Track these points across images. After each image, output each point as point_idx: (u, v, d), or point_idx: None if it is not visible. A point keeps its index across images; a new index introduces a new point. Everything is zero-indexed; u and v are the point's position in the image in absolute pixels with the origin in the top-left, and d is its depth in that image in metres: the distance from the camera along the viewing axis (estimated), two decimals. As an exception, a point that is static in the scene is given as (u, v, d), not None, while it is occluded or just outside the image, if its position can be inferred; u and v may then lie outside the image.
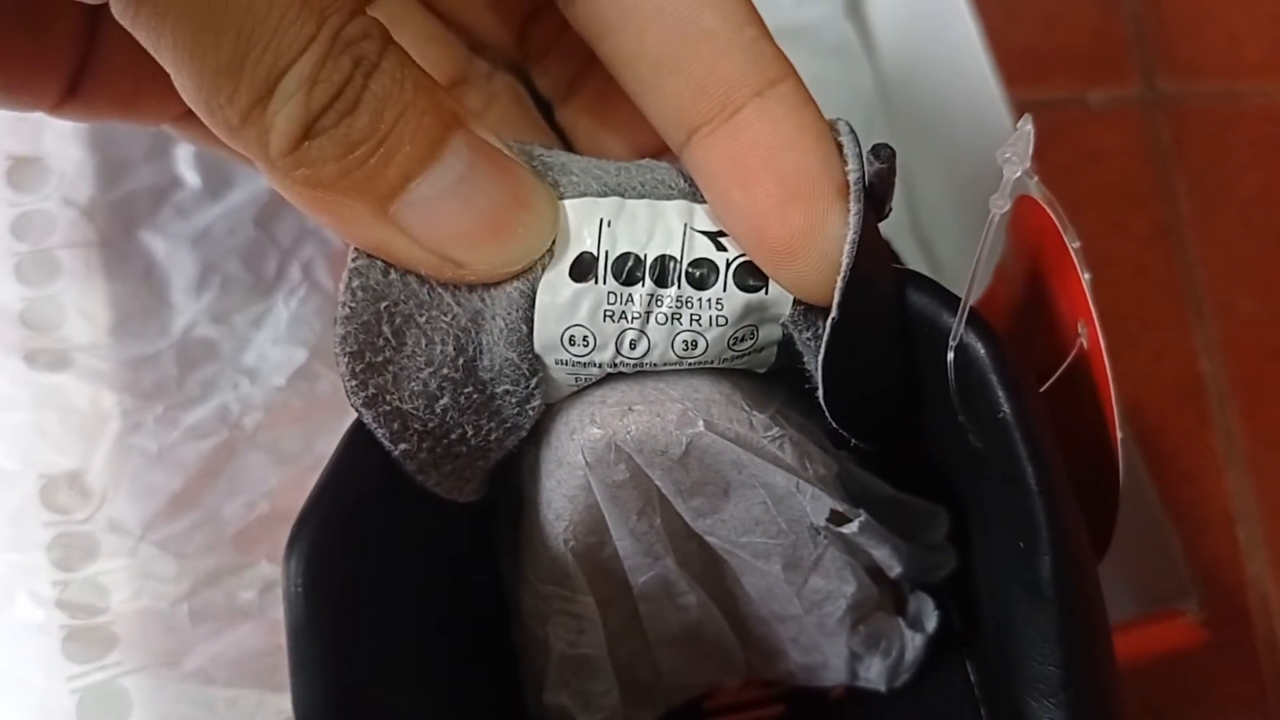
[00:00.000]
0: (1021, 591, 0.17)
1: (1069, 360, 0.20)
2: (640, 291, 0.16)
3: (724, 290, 0.17)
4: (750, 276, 0.17)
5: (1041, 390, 0.19)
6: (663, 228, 0.17)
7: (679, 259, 0.16)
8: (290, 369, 0.26)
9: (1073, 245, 0.19)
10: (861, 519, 0.18)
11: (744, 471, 0.18)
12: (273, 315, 0.26)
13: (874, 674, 0.21)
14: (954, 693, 0.21)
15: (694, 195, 0.17)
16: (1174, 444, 0.37)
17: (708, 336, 0.17)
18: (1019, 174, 0.17)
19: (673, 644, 0.21)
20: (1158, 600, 0.28)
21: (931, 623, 0.21)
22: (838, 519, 0.18)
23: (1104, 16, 0.42)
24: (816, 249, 0.16)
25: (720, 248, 0.17)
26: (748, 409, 0.18)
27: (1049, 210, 0.19)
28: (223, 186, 0.27)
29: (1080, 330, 0.19)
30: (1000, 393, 0.16)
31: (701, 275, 0.17)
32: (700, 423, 0.17)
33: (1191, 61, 0.42)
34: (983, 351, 0.17)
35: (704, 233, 0.17)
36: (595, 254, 0.16)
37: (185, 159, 0.27)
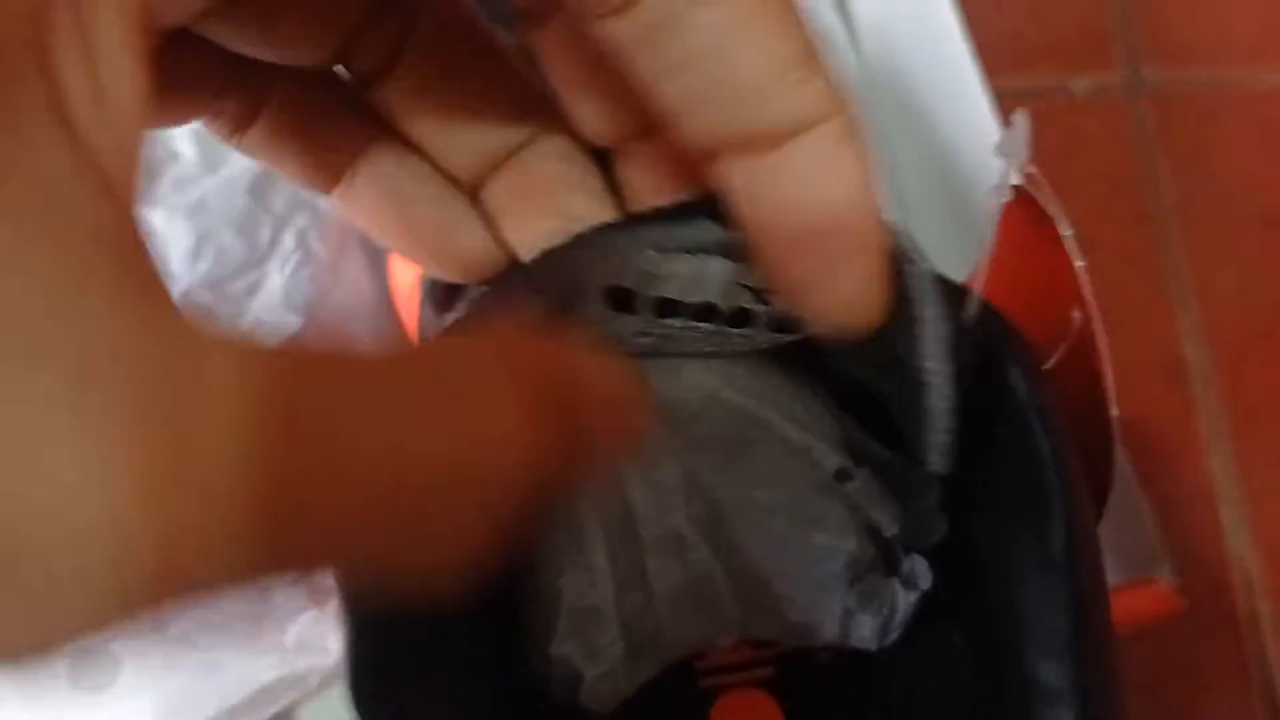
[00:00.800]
0: (1035, 564, 0.17)
1: (1066, 345, 0.20)
2: (677, 322, 0.17)
3: (762, 333, 0.17)
4: (788, 325, 0.17)
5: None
6: (703, 283, 0.17)
7: (720, 308, 0.17)
8: (283, 337, 0.26)
9: (1064, 233, 0.19)
10: (866, 476, 0.19)
11: (759, 428, 0.18)
12: (267, 283, 0.27)
13: (865, 632, 0.21)
14: (943, 655, 0.21)
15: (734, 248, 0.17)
16: (1158, 427, 0.38)
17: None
18: (1016, 168, 0.17)
19: (674, 599, 0.21)
20: (1130, 569, 0.28)
21: (926, 581, 0.21)
22: (843, 476, 0.19)
23: (1089, 3, 0.42)
24: (860, 308, 0.16)
25: (761, 301, 0.17)
26: (765, 365, 0.18)
27: (1039, 199, 0.19)
28: (219, 159, 0.27)
29: (1075, 315, 0.20)
30: (1015, 375, 0.17)
31: (739, 319, 0.17)
32: (719, 378, 0.17)
33: (1176, 48, 0.42)
34: (997, 337, 0.17)
35: (746, 287, 0.17)
36: (635, 290, 0.17)
37: (182, 132, 0.28)
